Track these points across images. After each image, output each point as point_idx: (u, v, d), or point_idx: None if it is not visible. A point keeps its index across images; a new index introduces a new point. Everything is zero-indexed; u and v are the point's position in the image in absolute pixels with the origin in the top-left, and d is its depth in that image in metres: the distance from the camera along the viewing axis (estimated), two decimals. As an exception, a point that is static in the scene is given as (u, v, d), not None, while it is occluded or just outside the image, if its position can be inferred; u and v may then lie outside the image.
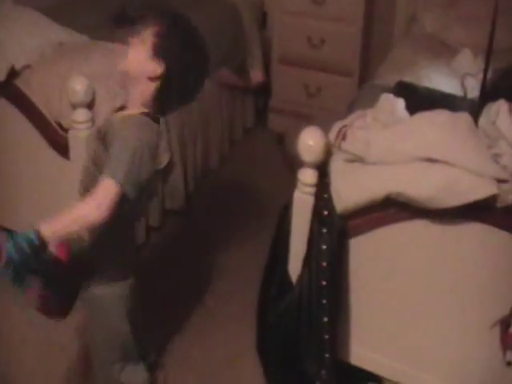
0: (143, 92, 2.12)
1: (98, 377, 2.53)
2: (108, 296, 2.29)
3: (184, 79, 2.13)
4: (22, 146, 3.14)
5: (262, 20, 4.64)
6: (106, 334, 2.39)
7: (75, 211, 2.01)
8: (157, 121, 2.15)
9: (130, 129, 2.06)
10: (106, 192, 1.98)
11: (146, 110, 2.12)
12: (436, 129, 2.19)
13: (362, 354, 2.53)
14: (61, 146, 2.98)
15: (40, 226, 1.93)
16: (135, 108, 2.13)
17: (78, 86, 2.83)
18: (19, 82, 3.04)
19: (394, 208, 2.21)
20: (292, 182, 2.41)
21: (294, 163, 2.45)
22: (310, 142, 2.26)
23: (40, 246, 1.93)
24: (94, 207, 1.97)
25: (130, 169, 2.00)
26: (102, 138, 2.13)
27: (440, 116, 2.25)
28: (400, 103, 2.40)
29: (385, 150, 2.21)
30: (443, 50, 3.34)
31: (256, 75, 4.42)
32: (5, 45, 3.06)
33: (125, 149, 2.02)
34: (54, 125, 2.99)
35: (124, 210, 2.06)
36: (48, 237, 1.94)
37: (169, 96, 2.15)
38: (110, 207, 1.98)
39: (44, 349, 3.02)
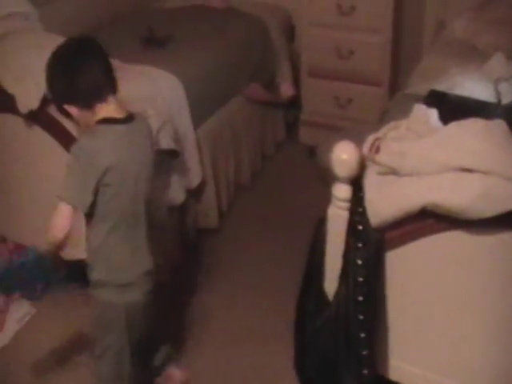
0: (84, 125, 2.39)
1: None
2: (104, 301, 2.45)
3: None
4: (57, 174, 3.12)
5: (290, 33, 4.62)
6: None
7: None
8: (119, 121, 2.34)
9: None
10: (58, 213, 2.29)
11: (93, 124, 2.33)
12: (471, 137, 2.15)
13: (401, 368, 2.49)
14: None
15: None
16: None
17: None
18: (52, 110, 3.05)
19: (430, 219, 2.17)
20: (325, 195, 2.38)
21: (326, 176, 2.43)
22: (343, 156, 2.23)
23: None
24: (54, 227, 2.31)
25: (74, 181, 2.28)
26: None
27: (475, 124, 2.21)
28: (433, 113, 2.37)
29: (420, 161, 2.17)
30: (474, 56, 3.28)
31: (286, 89, 4.41)
32: (37, 73, 3.07)
33: (68, 163, 2.30)
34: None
35: (94, 214, 2.33)
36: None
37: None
38: (67, 224, 2.29)
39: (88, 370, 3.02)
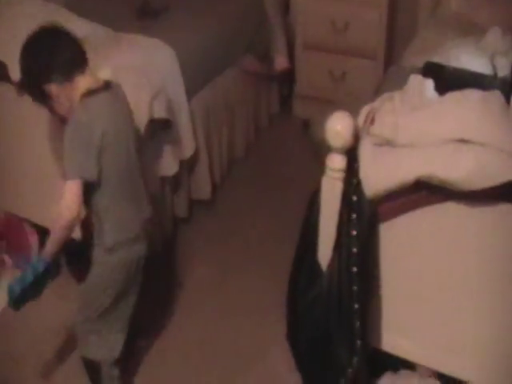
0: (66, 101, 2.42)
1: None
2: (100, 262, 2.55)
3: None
4: (47, 143, 3.12)
5: (285, 6, 4.59)
6: (86, 293, 2.63)
7: (54, 223, 2.42)
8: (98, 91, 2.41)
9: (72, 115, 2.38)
10: (70, 191, 2.33)
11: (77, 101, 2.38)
12: (467, 109, 2.13)
13: (393, 340, 2.49)
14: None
15: (42, 252, 2.46)
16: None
17: (104, 78, 2.81)
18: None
19: (424, 191, 2.15)
20: (318, 168, 2.36)
21: (319, 149, 2.42)
22: (337, 126, 2.20)
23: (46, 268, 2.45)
24: (69, 207, 2.34)
25: (78, 155, 2.34)
26: None
27: (471, 96, 2.19)
28: (429, 84, 2.35)
29: (415, 133, 2.15)
30: (471, 30, 3.26)
31: (280, 61, 4.38)
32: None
33: (66, 143, 2.35)
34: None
35: (100, 182, 2.39)
36: (49, 257, 2.44)
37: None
38: (79, 200, 2.34)
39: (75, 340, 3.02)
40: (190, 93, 3.50)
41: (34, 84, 2.41)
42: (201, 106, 3.63)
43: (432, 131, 2.13)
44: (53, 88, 2.37)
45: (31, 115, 3.09)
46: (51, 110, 2.53)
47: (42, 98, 2.44)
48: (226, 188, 3.95)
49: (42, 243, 3.39)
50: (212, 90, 3.78)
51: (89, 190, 2.41)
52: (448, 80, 2.49)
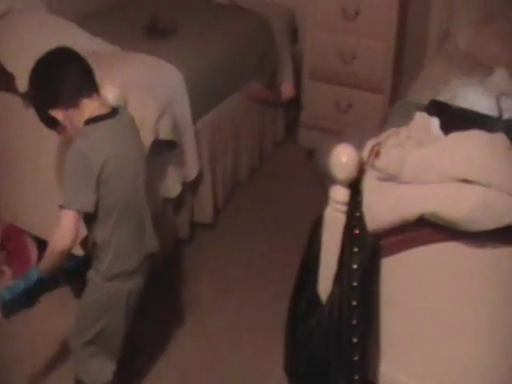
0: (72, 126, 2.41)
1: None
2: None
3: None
4: (53, 155, 3.14)
5: (294, 34, 4.62)
6: (81, 313, 2.62)
7: (50, 245, 2.40)
8: (102, 118, 2.39)
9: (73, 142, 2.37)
10: (65, 221, 2.32)
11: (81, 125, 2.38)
12: (472, 149, 2.15)
13: (391, 376, 2.49)
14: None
15: (38, 266, 2.46)
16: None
17: (110, 96, 2.81)
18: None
19: (427, 229, 2.17)
20: (321, 198, 2.39)
21: (323, 179, 2.43)
22: (342, 158, 2.23)
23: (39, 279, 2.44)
24: (62, 237, 2.33)
25: (74, 185, 2.33)
26: None
27: (476, 136, 2.22)
28: (435, 122, 2.37)
29: (419, 169, 2.17)
30: (477, 69, 3.28)
31: (286, 89, 4.41)
32: (37, 52, 3.06)
33: (64, 171, 2.36)
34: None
35: (98, 210, 2.37)
36: (43, 271, 2.43)
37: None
38: (75, 230, 2.33)
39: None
40: (196, 115, 3.51)
41: (41, 108, 2.42)
42: (206, 128, 3.65)
43: (436, 169, 2.15)
44: (58, 113, 2.38)
45: (37, 127, 3.05)
46: (59, 133, 2.52)
47: (49, 121, 2.44)
48: (229, 212, 3.95)
49: (41, 256, 3.42)
50: (218, 113, 3.79)
51: (90, 219, 2.40)
52: (453, 119, 2.51)
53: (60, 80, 2.37)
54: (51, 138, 3.05)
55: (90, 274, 2.52)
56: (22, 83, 3.02)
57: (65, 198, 2.33)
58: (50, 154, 3.15)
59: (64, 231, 2.32)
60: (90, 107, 2.39)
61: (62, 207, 2.33)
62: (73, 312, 2.70)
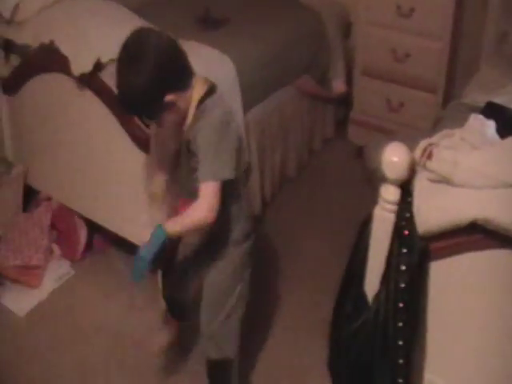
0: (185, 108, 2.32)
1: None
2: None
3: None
4: (104, 138, 3.20)
5: (347, 30, 4.58)
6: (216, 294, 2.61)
7: (193, 215, 2.32)
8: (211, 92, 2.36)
9: (203, 117, 2.29)
10: (212, 193, 2.27)
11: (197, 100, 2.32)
12: (529, 155, 2.11)
13: (435, 381, 2.45)
14: (142, 141, 2.99)
15: (166, 225, 2.33)
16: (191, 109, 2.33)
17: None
18: (104, 75, 3.07)
19: (480, 234, 2.13)
20: (370, 197, 2.36)
21: (372, 177, 2.41)
22: (394, 158, 2.20)
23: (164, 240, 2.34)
24: (207, 211, 2.27)
25: (220, 156, 2.28)
26: (187, 149, 2.36)
27: (533, 142, 2.17)
28: (491, 125, 2.33)
29: (473, 173, 2.13)
30: (535, 72, 3.24)
31: (338, 85, 4.38)
32: (92, 37, 3.11)
33: (206, 145, 2.27)
34: (136, 119, 2.99)
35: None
36: (169, 234, 2.33)
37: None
38: (219, 204, 2.28)
39: (117, 340, 3.11)
40: (247, 106, 3.51)
41: (157, 97, 2.24)
42: (256, 120, 3.64)
43: (491, 174, 2.10)
44: (174, 96, 2.26)
45: (91, 109, 3.17)
46: (161, 123, 2.38)
47: (157, 112, 2.30)
48: (276, 206, 3.95)
49: (90, 238, 3.52)
50: (268, 106, 3.79)
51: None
52: (510, 123, 2.46)
53: (180, 60, 2.32)
54: (101, 120, 3.10)
55: (219, 252, 2.54)
56: (77, 66, 3.07)
57: (211, 171, 2.27)
58: (102, 137, 3.18)
59: (211, 204, 2.27)
60: (200, 84, 2.35)
61: (205, 180, 2.27)
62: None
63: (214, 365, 2.69)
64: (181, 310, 2.83)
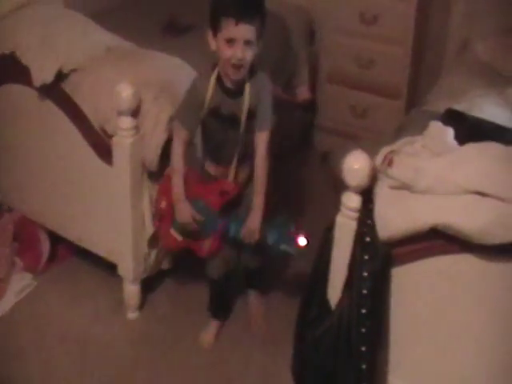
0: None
1: None
2: None
3: None
4: (66, 149, 3.17)
5: (311, 36, 4.60)
6: None
7: (261, 172, 2.80)
8: None
9: (262, 82, 2.79)
10: (268, 140, 2.75)
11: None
12: (488, 161, 2.14)
13: (399, 386, 2.48)
14: (104, 152, 2.99)
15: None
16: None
17: (124, 93, 2.83)
18: (66, 86, 3.06)
19: (440, 240, 2.16)
20: (335, 202, 2.38)
21: (337, 183, 2.42)
22: (355, 165, 2.23)
23: None
24: (266, 158, 2.77)
25: None
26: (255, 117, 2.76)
27: (492, 148, 2.20)
28: (450, 132, 2.35)
29: (434, 180, 2.15)
30: (496, 80, 3.26)
31: (302, 92, 4.39)
32: (54, 47, 3.09)
33: (269, 96, 2.78)
34: (99, 130, 3.00)
35: None
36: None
37: None
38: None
39: (82, 349, 3.09)
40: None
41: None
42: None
43: (451, 180, 2.13)
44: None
45: (53, 120, 3.14)
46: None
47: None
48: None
49: (53, 248, 3.49)
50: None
51: None
52: (469, 130, 2.49)
53: None
54: (63, 131, 3.09)
55: None
56: (37, 77, 3.05)
57: (270, 120, 2.76)
58: (64, 148, 3.16)
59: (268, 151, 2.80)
60: None
61: (265, 130, 2.76)
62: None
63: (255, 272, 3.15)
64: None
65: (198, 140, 2.95)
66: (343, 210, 2.31)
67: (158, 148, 2.93)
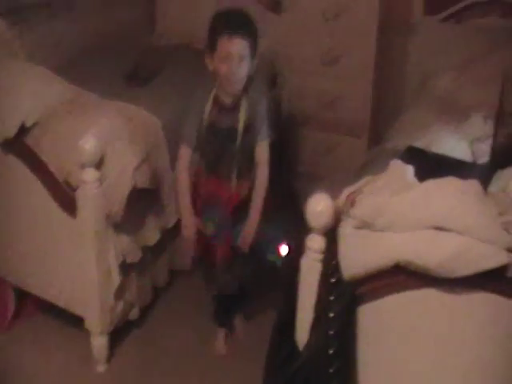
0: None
1: None
2: None
3: None
4: (29, 203, 3.15)
5: (273, 79, 4.64)
6: None
7: (262, 180, 2.97)
8: None
9: (260, 101, 2.99)
10: (266, 160, 2.95)
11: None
12: (446, 197, 2.16)
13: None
14: (68, 205, 2.98)
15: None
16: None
17: (87, 146, 2.84)
18: (29, 139, 3.06)
19: (403, 276, 2.16)
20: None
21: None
22: (318, 207, 2.24)
23: None
24: (267, 167, 2.95)
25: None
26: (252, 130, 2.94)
27: (450, 183, 2.23)
28: (410, 170, 2.38)
29: (394, 217, 2.17)
30: (454, 114, 3.32)
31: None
32: (16, 101, 3.09)
33: (266, 109, 2.98)
34: (62, 183, 2.99)
35: None
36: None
37: None
38: None
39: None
40: (174, 162, 3.49)
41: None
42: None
43: (411, 217, 2.15)
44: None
45: (16, 174, 3.13)
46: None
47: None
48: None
49: (19, 306, 3.43)
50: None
51: None
52: (429, 165, 2.53)
53: None
54: (26, 185, 3.07)
55: None
56: (1, 132, 3.04)
57: (267, 133, 2.96)
58: (28, 202, 3.15)
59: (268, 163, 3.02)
60: None
61: (262, 141, 2.96)
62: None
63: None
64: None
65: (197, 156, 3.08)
66: (308, 252, 2.32)
67: (122, 199, 2.94)
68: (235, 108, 2.93)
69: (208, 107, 2.93)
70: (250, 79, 2.92)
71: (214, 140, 2.96)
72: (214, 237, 3.02)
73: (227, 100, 2.93)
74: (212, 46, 2.84)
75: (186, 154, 2.99)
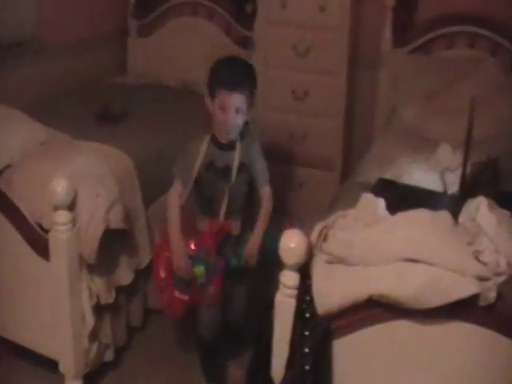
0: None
1: None
2: None
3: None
4: (2, 246, 3.11)
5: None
6: None
7: (265, 219, 3.06)
8: None
9: (253, 144, 3.11)
10: (270, 196, 3.09)
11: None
12: (416, 228, 2.19)
13: None
14: (41, 247, 2.95)
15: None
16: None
17: (59, 188, 2.82)
18: (0, 182, 3.04)
19: (376, 309, 2.18)
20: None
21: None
22: (291, 244, 2.25)
23: None
24: (269, 213, 3.05)
25: None
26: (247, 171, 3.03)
27: (420, 215, 2.25)
28: (380, 203, 2.41)
29: (366, 251, 2.20)
30: (423, 145, 3.38)
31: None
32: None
33: (263, 156, 3.11)
34: (35, 226, 2.97)
35: None
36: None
37: None
38: None
39: None
40: (148, 201, 3.49)
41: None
42: (158, 214, 3.61)
43: (383, 250, 2.18)
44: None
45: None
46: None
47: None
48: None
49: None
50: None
51: None
52: (399, 197, 2.56)
53: None
54: (1, 231, 3.05)
55: None
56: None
57: (267, 178, 3.12)
58: (0, 247, 3.12)
59: (270, 206, 3.12)
60: None
61: (265, 185, 3.10)
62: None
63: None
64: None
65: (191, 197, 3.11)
66: (282, 288, 2.32)
67: (95, 241, 2.91)
68: (231, 147, 2.99)
69: (204, 146, 2.99)
70: (246, 124, 3.02)
71: (210, 178, 3.00)
72: (204, 283, 3.00)
73: (223, 140, 2.99)
74: (211, 92, 2.93)
75: (178, 184, 3.05)
